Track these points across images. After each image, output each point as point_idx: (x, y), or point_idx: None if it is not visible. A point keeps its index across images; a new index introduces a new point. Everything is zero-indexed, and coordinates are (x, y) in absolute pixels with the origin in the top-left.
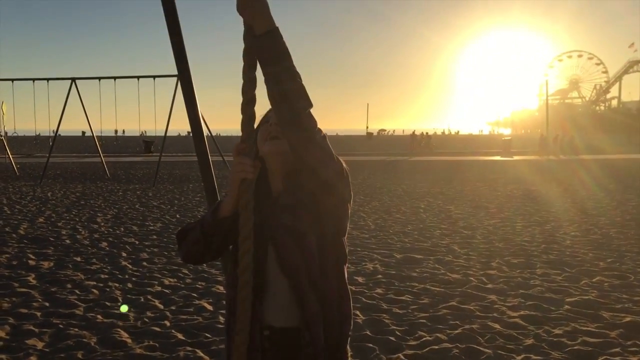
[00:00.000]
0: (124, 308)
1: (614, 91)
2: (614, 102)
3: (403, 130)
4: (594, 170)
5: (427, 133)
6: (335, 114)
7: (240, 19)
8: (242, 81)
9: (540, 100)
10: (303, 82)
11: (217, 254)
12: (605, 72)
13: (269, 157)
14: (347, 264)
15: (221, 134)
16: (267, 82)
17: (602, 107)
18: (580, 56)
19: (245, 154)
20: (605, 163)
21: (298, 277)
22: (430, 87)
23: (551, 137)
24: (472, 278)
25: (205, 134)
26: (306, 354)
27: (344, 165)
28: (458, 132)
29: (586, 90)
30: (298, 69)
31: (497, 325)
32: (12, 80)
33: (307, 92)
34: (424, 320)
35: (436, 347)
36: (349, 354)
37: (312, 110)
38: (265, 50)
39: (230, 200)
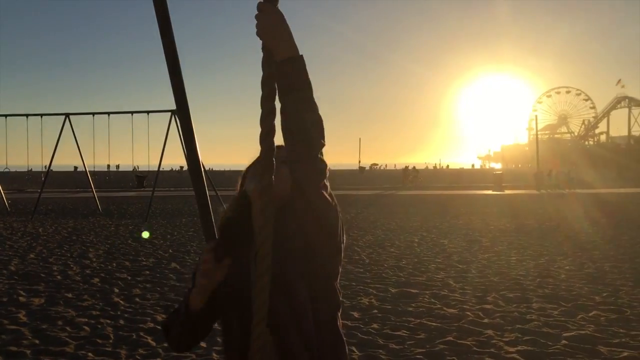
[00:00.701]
0: (145, 234)
1: (602, 126)
2: (603, 137)
3: (395, 165)
4: (588, 204)
5: (414, 167)
6: (328, 149)
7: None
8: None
9: (530, 135)
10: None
11: (207, 333)
12: (593, 107)
13: (255, 197)
14: (340, 311)
15: (214, 169)
16: (284, 112)
17: (591, 142)
18: (568, 92)
19: (218, 257)
20: (598, 197)
21: (287, 335)
22: (421, 122)
23: (546, 172)
24: (468, 312)
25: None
26: None
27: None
28: (447, 165)
29: (575, 125)
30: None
31: None
32: (6, 116)
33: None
34: (421, 356)
35: None
36: None
37: None
38: (288, 77)
39: (198, 296)
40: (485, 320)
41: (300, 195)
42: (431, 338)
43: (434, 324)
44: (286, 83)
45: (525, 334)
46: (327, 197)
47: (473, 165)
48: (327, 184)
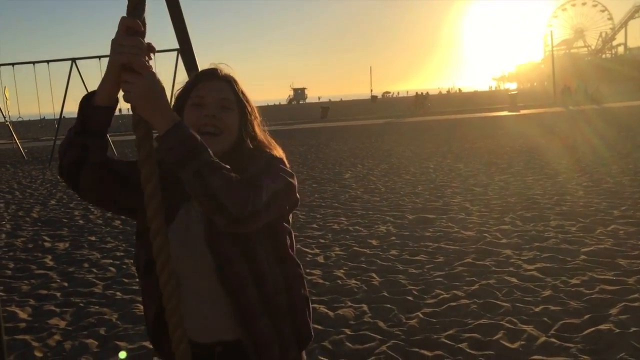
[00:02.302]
0: (122, 355)
1: (619, 38)
2: (620, 49)
3: (407, 92)
4: (606, 119)
5: (424, 93)
6: (340, 80)
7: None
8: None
9: (545, 52)
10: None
11: (97, 182)
12: (611, 18)
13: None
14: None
15: None
16: (189, 187)
17: (609, 55)
18: (584, 4)
19: (138, 34)
20: (616, 112)
21: (244, 295)
22: (433, 47)
23: (573, 88)
24: (486, 234)
25: None
26: None
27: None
28: (459, 90)
29: (592, 39)
30: (302, 37)
31: (513, 279)
32: (13, 64)
33: (231, 175)
34: (440, 279)
35: (454, 304)
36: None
37: (314, 80)
38: (175, 150)
39: (106, 85)
40: (503, 241)
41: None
42: (450, 261)
43: (452, 247)
44: (177, 156)
45: (544, 252)
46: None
47: (491, 88)
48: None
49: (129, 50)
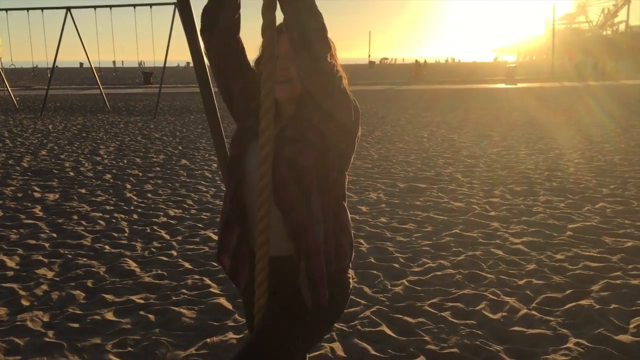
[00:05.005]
0: None
1: (622, 15)
2: (622, 26)
3: (403, 59)
4: (602, 95)
5: (417, 61)
6: (337, 43)
7: None
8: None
9: (547, 25)
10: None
11: (227, 38)
12: None
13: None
14: (345, 201)
15: None
16: (286, 23)
17: (610, 32)
18: None
19: None
20: (614, 89)
21: (295, 215)
22: (435, 16)
23: (591, 63)
24: (475, 206)
25: (207, 66)
26: (301, 284)
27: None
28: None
29: (594, 14)
30: None
31: (499, 252)
32: (6, 10)
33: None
34: (428, 248)
35: (439, 273)
36: (350, 278)
37: None
38: None
39: None
40: (492, 213)
41: (309, 97)
42: (438, 231)
43: (440, 217)
44: None
45: (531, 226)
46: (338, 95)
47: (496, 59)
48: (341, 82)
49: None
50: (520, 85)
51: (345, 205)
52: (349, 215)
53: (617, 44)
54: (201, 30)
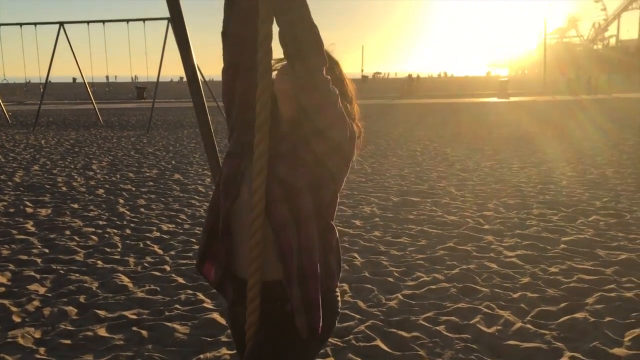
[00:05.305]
0: None
1: (612, 29)
2: (612, 41)
3: (396, 74)
4: (594, 109)
5: (410, 75)
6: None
7: None
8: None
9: (538, 39)
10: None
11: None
12: (604, 9)
13: (280, 95)
14: (333, 220)
15: (215, 79)
16: (281, 34)
17: (600, 46)
18: None
19: None
20: (605, 103)
21: (285, 235)
22: (428, 31)
23: (584, 78)
24: (469, 219)
25: (200, 80)
26: (295, 310)
27: (356, 128)
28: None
29: (585, 28)
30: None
31: (493, 265)
32: None
33: (323, 43)
34: (422, 262)
35: (434, 286)
36: (338, 296)
37: None
38: (280, 2)
39: None
40: (486, 227)
41: (302, 111)
42: (432, 244)
43: (434, 231)
44: (280, 3)
45: (525, 239)
46: (331, 111)
47: (489, 73)
48: (337, 98)
49: None
50: (512, 99)
51: (334, 224)
52: (337, 234)
53: (607, 58)
54: (225, 8)
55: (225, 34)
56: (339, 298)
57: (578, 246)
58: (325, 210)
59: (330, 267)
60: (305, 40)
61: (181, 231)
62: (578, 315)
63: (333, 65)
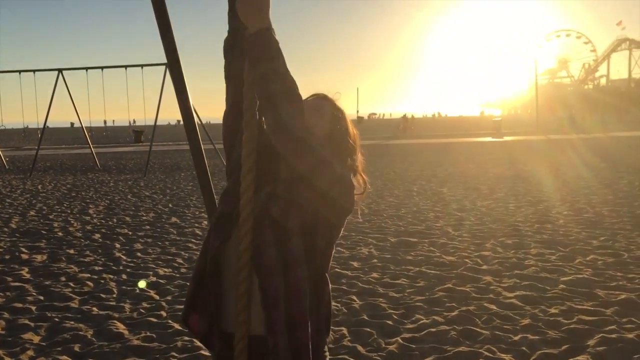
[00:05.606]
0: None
1: (602, 69)
2: (603, 81)
3: (391, 114)
4: (587, 149)
5: (405, 115)
6: None
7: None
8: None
9: (530, 80)
10: (295, 83)
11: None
12: (594, 50)
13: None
14: (327, 271)
15: (212, 122)
16: (254, 85)
17: (591, 86)
18: (568, 35)
19: None
20: (598, 142)
21: (272, 282)
22: (421, 72)
23: (579, 117)
24: (467, 260)
25: (197, 124)
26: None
27: (350, 174)
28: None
29: (575, 69)
30: (288, 57)
31: (493, 306)
32: None
33: (299, 93)
34: (421, 303)
35: (433, 329)
36: (326, 353)
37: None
38: (254, 51)
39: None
40: (484, 267)
41: (283, 157)
42: (430, 286)
43: (433, 271)
44: (253, 56)
45: (524, 280)
46: (309, 159)
47: (482, 113)
48: (317, 147)
49: None
50: (506, 138)
51: (327, 276)
52: (330, 286)
53: (597, 99)
54: (224, 53)
55: (228, 77)
56: (327, 355)
57: (577, 286)
58: (319, 258)
59: (320, 321)
60: (275, 90)
61: (178, 275)
62: (580, 357)
63: (338, 114)
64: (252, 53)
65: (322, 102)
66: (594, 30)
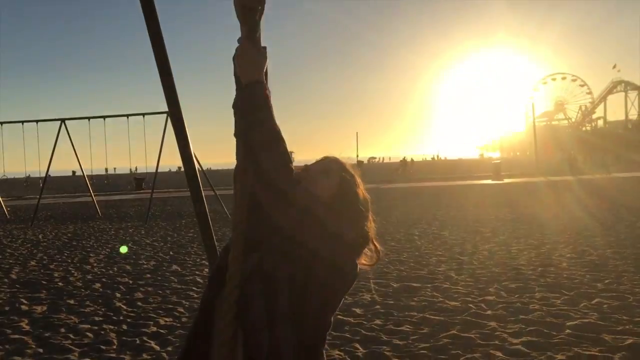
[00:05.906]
0: (123, 249)
1: (599, 111)
2: (600, 122)
3: (390, 158)
4: (587, 190)
5: (404, 159)
6: (326, 144)
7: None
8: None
9: (527, 122)
10: (279, 135)
11: None
12: (590, 93)
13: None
14: (324, 347)
15: (212, 168)
16: (242, 134)
17: (588, 128)
18: (564, 78)
19: None
20: (597, 183)
21: (256, 338)
22: (420, 116)
23: (580, 158)
24: (471, 305)
25: (197, 169)
26: None
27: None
28: (438, 156)
29: (572, 111)
30: (289, 107)
31: (499, 353)
32: (2, 123)
33: (284, 145)
34: (425, 351)
35: None
36: None
37: (302, 144)
38: (244, 102)
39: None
40: (488, 312)
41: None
42: (435, 332)
43: (437, 317)
44: (242, 107)
45: (529, 325)
46: (292, 214)
47: (482, 155)
48: (299, 202)
49: None
50: (506, 180)
51: (324, 354)
52: None
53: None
54: (233, 107)
55: (236, 135)
56: None
57: (583, 331)
58: (311, 322)
59: None
60: (256, 140)
61: (179, 325)
62: None
63: (347, 176)
64: (242, 104)
65: (331, 163)
66: (587, 73)
